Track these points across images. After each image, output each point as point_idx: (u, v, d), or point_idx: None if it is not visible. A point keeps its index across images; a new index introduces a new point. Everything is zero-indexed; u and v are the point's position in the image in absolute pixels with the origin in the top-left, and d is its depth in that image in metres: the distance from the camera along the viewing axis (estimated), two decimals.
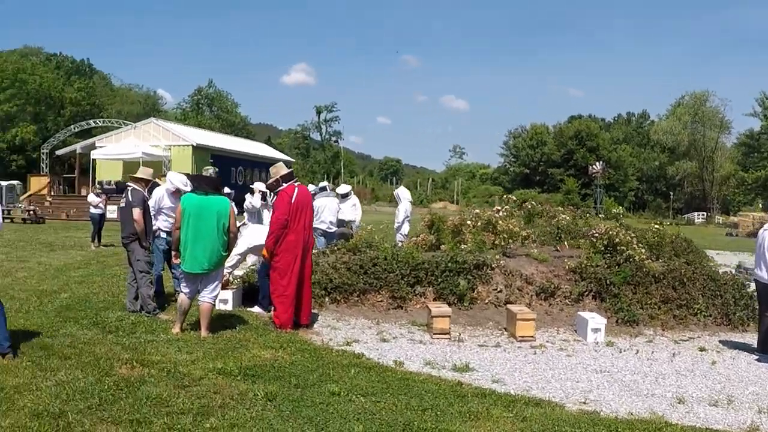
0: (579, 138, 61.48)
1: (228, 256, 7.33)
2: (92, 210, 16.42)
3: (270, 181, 7.75)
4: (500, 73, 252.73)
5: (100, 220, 16.35)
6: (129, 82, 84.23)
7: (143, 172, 8.11)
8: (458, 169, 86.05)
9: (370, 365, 6.23)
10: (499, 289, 9.15)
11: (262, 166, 38.33)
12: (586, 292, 9.22)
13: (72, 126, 38.69)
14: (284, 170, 7.72)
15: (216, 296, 7.08)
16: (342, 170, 74.69)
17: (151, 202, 9.38)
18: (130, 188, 7.84)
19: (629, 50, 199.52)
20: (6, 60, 53.48)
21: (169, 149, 32.17)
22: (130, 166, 32.16)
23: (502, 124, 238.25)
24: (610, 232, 9.82)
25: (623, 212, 16.27)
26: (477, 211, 10.81)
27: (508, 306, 8.40)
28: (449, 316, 7.91)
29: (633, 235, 10.06)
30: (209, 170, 7.06)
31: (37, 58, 60.65)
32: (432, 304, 8.27)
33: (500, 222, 9.89)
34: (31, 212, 26.94)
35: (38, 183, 34.48)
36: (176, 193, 8.96)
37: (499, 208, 10.75)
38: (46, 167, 36.56)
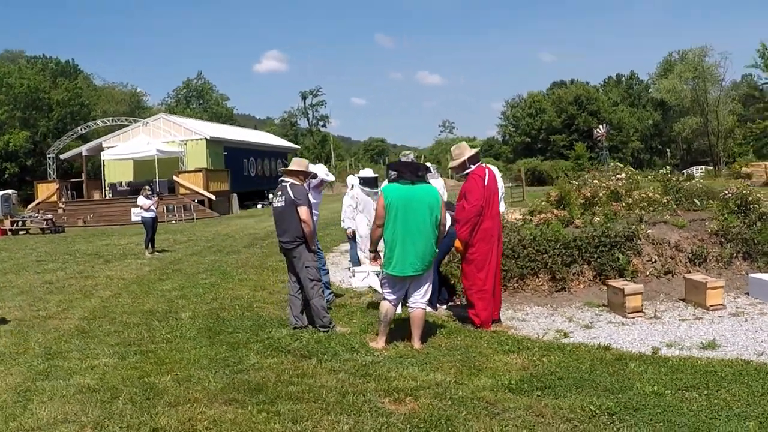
0: (579, 103, 60.79)
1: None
2: (144, 214, 14.95)
3: (455, 163, 6.73)
4: (475, 46, 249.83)
5: (153, 224, 14.88)
6: (111, 80, 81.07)
7: (299, 164, 6.81)
8: (446, 144, 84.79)
9: (633, 356, 5.43)
10: (653, 260, 8.37)
11: (271, 155, 36.94)
12: (735, 254, 8.49)
13: (79, 128, 36.38)
14: (469, 151, 6.71)
15: (428, 300, 6.06)
16: (332, 154, 73.20)
17: None
18: (287, 184, 6.60)
19: (605, 12, 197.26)
20: None
21: (185, 144, 30.50)
22: (141, 165, 30.57)
23: (484, 96, 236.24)
24: (744, 192, 9.04)
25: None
26: (596, 181, 9.91)
27: (687, 276, 7.62)
28: (641, 293, 7.08)
29: (761, 192, 9.29)
30: (409, 155, 5.92)
31: (24, 61, 57.47)
32: (615, 282, 7.45)
33: (636, 191, 9.03)
34: (49, 221, 25.06)
35: (47, 190, 32.10)
36: (319, 187, 7.89)
37: (621, 176, 9.86)
38: (54, 173, 34.47)
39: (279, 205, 6.61)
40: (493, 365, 5.21)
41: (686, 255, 8.44)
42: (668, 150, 53.80)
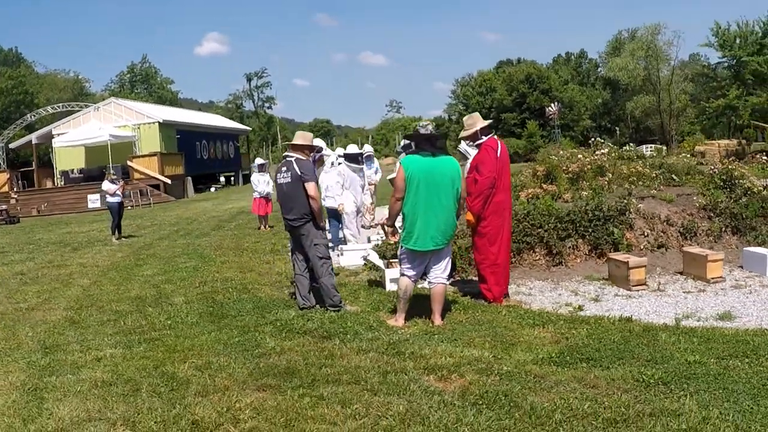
0: (530, 81, 60.71)
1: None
2: (109, 199, 14.12)
3: (466, 133, 6.48)
4: (418, 26, 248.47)
5: (119, 210, 14.09)
6: (53, 68, 76.99)
7: (304, 138, 6.38)
8: (393, 123, 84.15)
9: (659, 327, 5.33)
10: (645, 234, 8.37)
11: (223, 138, 35.85)
12: (724, 228, 8.59)
13: (28, 115, 34.38)
14: (482, 122, 6.47)
15: (448, 275, 5.80)
16: (278, 136, 71.84)
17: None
18: (292, 159, 6.20)
19: None
20: None
21: (138, 128, 29.21)
22: (93, 152, 29.20)
23: (429, 76, 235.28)
24: (729, 167, 9.13)
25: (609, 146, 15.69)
26: (580, 156, 9.86)
27: (686, 249, 7.63)
28: (645, 266, 7.03)
29: (746, 168, 9.42)
30: (427, 126, 5.53)
31: None
32: (617, 255, 7.39)
33: (625, 165, 9.01)
34: (3, 212, 23.60)
35: None
36: (315, 163, 7.52)
37: (604, 152, 9.84)
38: (4, 162, 32.51)
39: (284, 181, 6.22)
40: (525, 339, 5.03)
41: (677, 229, 8.48)
42: (617, 129, 54.85)
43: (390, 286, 7.04)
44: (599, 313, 5.94)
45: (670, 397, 3.79)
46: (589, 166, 9.27)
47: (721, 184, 9.14)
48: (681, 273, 7.51)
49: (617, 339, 4.96)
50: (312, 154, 6.55)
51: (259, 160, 15.22)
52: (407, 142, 11.34)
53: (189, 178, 29.81)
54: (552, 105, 47.98)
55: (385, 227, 6.25)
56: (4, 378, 4.68)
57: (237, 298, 7.12)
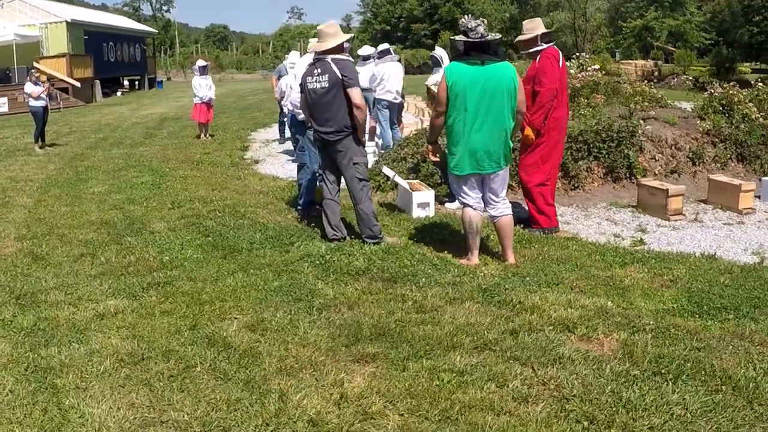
0: None
1: None
2: (32, 103, 11.57)
3: (525, 37, 5.29)
4: None
5: (44, 115, 11.65)
6: None
7: (335, 31, 4.83)
8: (293, 30, 78.53)
9: (754, 267, 4.58)
10: (656, 158, 7.69)
11: (130, 40, 31.82)
12: (729, 156, 8.07)
13: None
14: (542, 27, 5.27)
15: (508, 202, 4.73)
16: (176, 41, 65.76)
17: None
18: (329, 59, 4.75)
19: None
20: None
21: (45, 28, 25.03)
22: None
23: None
24: (730, 92, 8.53)
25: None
26: (572, 71, 8.92)
27: (713, 176, 6.99)
28: (683, 195, 6.33)
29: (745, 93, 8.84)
30: (478, 28, 4.13)
31: None
32: (650, 181, 6.66)
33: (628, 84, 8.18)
34: None
35: None
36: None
37: (596, 67, 8.97)
38: None
39: (319, 86, 4.75)
40: (629, 282, 4.15)
41: (685, 153, 7.85)
42: None
43: (417, 212, 5.90)
44: (665, 248, 5.19)
45: None
46: (582, 83, 8.34)
47: (720, 108, 8.57)
48: (704, 201, 6.91)
49: (727, 282, 4.18)
50: (346, 51, 5.06)
51: (200, 62, 13.09)
52: (385, 46, 9.89)
53: (97, 81, 26.32)
54: (465, 17, 46.41)
55: (428, 146, 5.04)
56: None
57: (234, 224, 5.69)
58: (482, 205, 4.60)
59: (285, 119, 11.98)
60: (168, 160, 9.87)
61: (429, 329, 3.34)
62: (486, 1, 57.97)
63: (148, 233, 5.49)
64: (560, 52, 5.32)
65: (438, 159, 5.01)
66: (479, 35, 4.39)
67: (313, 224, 5.55)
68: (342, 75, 4.66)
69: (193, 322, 3.50)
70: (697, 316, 3.61)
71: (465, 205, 4.59)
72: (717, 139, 8.10)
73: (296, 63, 10.01)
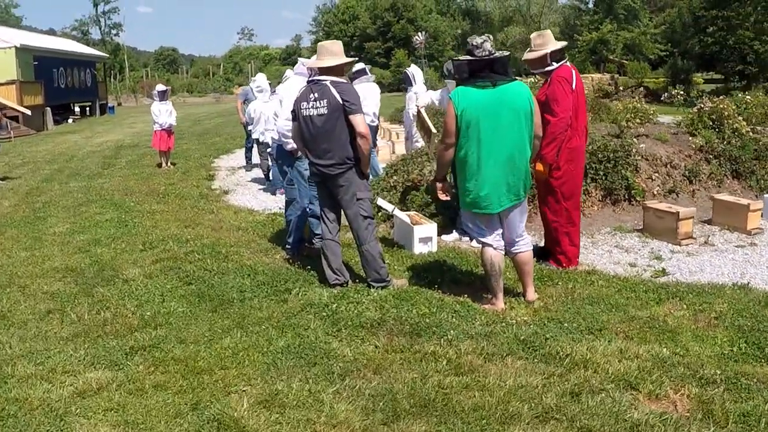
0: (395, 10, 57.91)
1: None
2: None
3: (533, 55, 4.86)
4: None
5: None
6: None
7: (333, 52, 4.34)
8: (244, 51, 77.61)
9: None
10: (652, 178, 7.47)
11: (80, 65, 30.70)
12: (725, 172, 7.92)
13: None
14: (554, 43, 4.87)
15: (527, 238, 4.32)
16: (125, 65, 64.27)
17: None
18: (327, 82, 4.27)
19: None
20: None
21: None
22: None
23: (275, 4, 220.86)
24: (720, 106, 8.42)
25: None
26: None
27: (717, 196, 6.77)
28: (693, 218, 6.08)
29: (734, 107, 8.75)
30: (484, 45, 3.69)
31: None
32: (657, 204, 6.38)
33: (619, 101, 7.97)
34: None
35: None
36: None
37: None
38: None
39: (317, 113, 4.26)
40: (673, 323, 3.78)
41: (680, 172, 7.66)
42: None
43: (419, 247, 5.46)
44: (689, 278, 4.88)
45: None
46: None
47: (710, 123, 8.45)
48: (708, 222, 6.69)
49: None
50: (347, 73, 4.62)
51: (160, 87, 12.44)
52: (360, 66, 9.33)
53: (48, 108, 25.16)
54: (419, 34, 46.39)
55: (436, 184, 4.58)
56: None
57: (217, 268, 5.13)
58: (503, 242, 4.18)
59: (250, 145, 11.52)
60: (131, 192, 9.19)
61: (477, 397, 2.88)
62: (438, 18, 58.57)
63: (122, 282, 4.88)
64: (574, 71, 4.92)
65: (448, 198, 4.52)
66: (487, 52, 4.00)
67: (308, 266, 5.03)
68: (343, 100, 4.19)
69: (194, 398, 2.96)
70: (763, 361, 3.26)
71: (484, 244, 4.17)
72: (711, 156, 7.93)
73: (263, 87, 9.58)
